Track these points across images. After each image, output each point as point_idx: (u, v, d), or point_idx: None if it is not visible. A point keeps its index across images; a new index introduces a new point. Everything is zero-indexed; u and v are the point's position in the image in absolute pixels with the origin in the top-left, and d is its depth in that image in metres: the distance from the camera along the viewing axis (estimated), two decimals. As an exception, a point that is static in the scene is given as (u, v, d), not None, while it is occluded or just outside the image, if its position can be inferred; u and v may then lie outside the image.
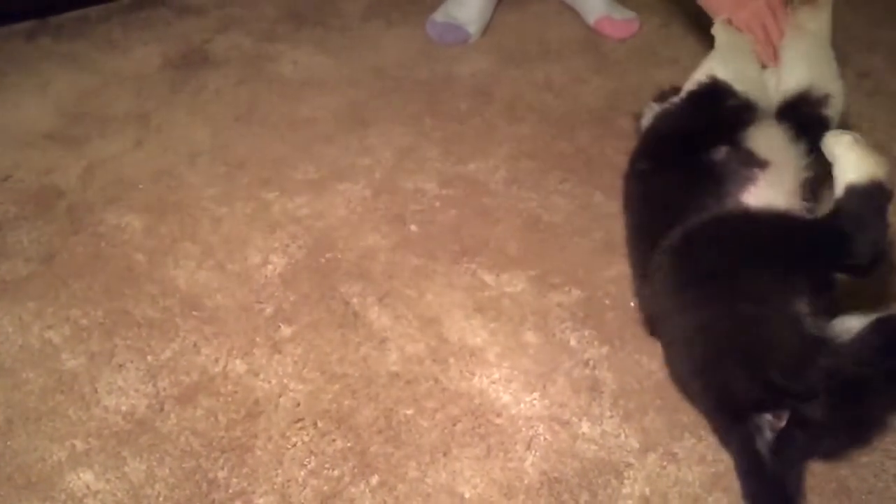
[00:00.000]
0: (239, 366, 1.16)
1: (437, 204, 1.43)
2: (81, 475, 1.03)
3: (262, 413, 1.10)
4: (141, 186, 1.46)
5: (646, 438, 1.07)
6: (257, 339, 1.20)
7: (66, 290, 1.27)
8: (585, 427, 1.09)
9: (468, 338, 1.21)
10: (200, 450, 1.06)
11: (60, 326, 1.21)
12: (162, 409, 1.11)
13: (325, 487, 1.02)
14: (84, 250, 1.34)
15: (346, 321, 1.23)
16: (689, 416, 1.09)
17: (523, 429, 1.08)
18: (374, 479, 1.03)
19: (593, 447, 1.06)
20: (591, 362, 1.17)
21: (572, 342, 1.20)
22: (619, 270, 1.30)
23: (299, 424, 1.09)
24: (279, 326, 1.22)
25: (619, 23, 1.88)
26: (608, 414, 1.10)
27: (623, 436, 1.07)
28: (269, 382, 1.14)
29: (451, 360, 1.17)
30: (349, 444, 1.07)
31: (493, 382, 1.14)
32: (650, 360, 1.17)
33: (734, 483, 1.02)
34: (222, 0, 1.98)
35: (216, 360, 1.17)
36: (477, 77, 1.74)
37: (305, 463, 1.05)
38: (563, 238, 1.37)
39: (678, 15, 1.91)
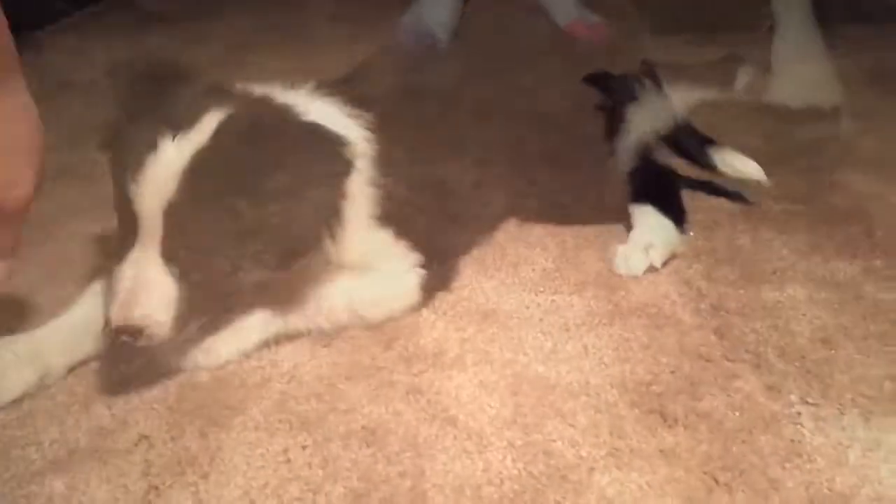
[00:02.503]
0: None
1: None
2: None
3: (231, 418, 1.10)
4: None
5: (616, 440, 1.07)
6: (226, 348, 1.19)
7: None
8: (556, 430, 1.08)
9: (440, 342, 1.20)
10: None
11: None
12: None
13: (295, 493, 1.01)
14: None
15: (315, 328, 1.23)
16: (660, 417, 1.10)
17: (494, 433, 1.08)
18: (344, 485, 1.02)
19: (564, 450, 1.06)
20: (561, 364, 1.17)
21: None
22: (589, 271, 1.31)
23: (268, 429, 1.08)
24: (248, 335, 1.21)
25: (589, 26, 1.89)
26: (579, 416, 1.10)
27: (594, 437, 1.07)
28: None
29: (423, 365, 1.17)
30: (319, 449, 1.06)
31: (465, 387, 1.14)
32: (620, 359, 1.17)
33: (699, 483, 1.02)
34: (192, 12, 1.97)
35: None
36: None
37: (275, 469, 1.04)
38: (533, 240, 1.37)
39: (645, 18, 1.92)
